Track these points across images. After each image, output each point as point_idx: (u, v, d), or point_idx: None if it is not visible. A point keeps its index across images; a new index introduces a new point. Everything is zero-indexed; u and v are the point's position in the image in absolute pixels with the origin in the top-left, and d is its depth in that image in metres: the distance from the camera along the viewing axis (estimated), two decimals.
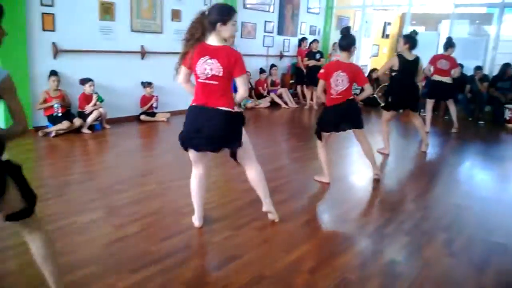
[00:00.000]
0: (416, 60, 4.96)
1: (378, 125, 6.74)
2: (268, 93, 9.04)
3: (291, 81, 9.78)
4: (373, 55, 12.90)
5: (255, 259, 2.54)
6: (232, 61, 2.50)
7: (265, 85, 9.01)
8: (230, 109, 2.56)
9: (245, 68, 2.57)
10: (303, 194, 3.73)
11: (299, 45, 9.61)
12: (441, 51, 7.01)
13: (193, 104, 2.65)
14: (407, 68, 4.92)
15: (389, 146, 5.28)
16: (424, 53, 6.86)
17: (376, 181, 4.15)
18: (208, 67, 2.52)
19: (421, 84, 7.08)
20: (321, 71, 3.85)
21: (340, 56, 3.87)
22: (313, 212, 3.31)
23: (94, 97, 5.82)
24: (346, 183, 4.13)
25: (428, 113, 6.91)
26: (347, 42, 3.72)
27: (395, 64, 4.95)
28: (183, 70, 2.66)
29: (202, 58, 2.52)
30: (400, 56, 4.94)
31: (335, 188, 3.90)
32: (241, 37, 8.43)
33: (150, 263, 2.41)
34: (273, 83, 9.20)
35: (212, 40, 2.55)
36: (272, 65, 9.14)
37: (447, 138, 6.74)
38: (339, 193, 3.83)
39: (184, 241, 2.71)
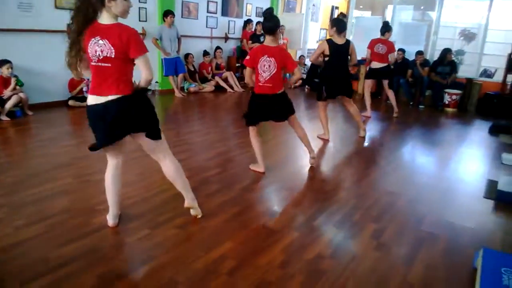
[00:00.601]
0: (347, 44, 4.84)
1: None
2: (213, 76, 8.73)
3: (237, 65, 9.50)
4: (321, 39, 12.85)
5: (170, 261, 2.30)
6: (124, 40, 2.20)
7: (210, 68, 8.68)
8: (123, 95, 2.29)
9: (144, 47, 2.28)
10: (235, 185, 3.52)
11: (244, 27, 9.34)
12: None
13: (89, 100, 2.36)
14: (337, 52, 4.81)
15: (328, 132, 5.19)
16: (370, 37, 6.85)
17: (312, 169, 4.04)
18: (99, 48, 2.21)
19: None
20: (247, 57, 3.63)
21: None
22: (243, 205, 3.10)
23: (13, 80, 5.28)
24: (281, 172, 3.96)
25: (367, 97, 6.91)
26: (272, 24, 3.49)
27: (325, 49, 4.81)
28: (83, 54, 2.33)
29: (93, 39, 2.22)
30: (329, 41, 4.82)
31: (270, 178, 3.73)
32: (181, 17, 8.02)
33: (46, 272, 2.12)
34: (218, 66, 8.88)
35: (104, 18, 2.24)
36: (217, 48, 8.81)
37: (388, 123, 6.78)
38: (273, 183, 3.66)
39: (90, 244, 2.42)
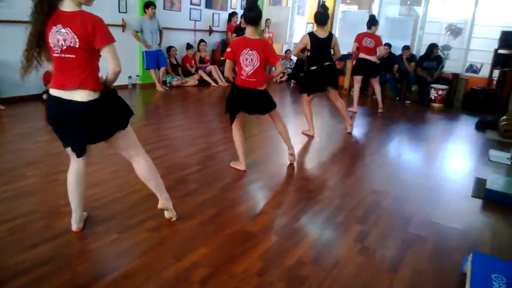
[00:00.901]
0: (329, 37, 4.70)
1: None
2: (197, 70, 8.51)
3: (222, 58, 9.27)
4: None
5: (139, 269, 2.12)
6: (88, 29, 2.00)
7: (193, 61, 8.46)
8: (91, 98, 2.09)
9: (110, 36, 2.08)
10: (214, 184, 3.34)
11: (229, 20, 9.12)
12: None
13: (51, 92, 2.16)
14: (319, 46, 4.66)
15: (313, 128, 5.05)
16: (356, 32, 6.72)
17: (295, 166, 3.91)
18: (61, 37, 2.01)
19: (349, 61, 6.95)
20: (228, 49, 3.45)
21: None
22: (221, 206, 2.93)
23: None
24: (264, 170, 3.80)
25: (356, 92, 6.80)
26: (254, 14, 3.32)
27: (307, 43, 4.66)
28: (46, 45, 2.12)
29: (54, 28, 2.01)
30: (311, 34, 4.67)
31: (252, 176, 3.57)
32: (163, 8, 7.77)
33: (3, 282, 1.92)
34: (202, 60, 8.66)
35: (66, 5, 2.04)
36: (201, 41, 8.58)
37: (373, 118, 6.67)
38: (255, 181, 3.50)
39: (54, 250, 2.23)
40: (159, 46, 7.44)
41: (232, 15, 8.96)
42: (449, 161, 4.62)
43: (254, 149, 4.35)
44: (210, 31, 9.16)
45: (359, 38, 6.49)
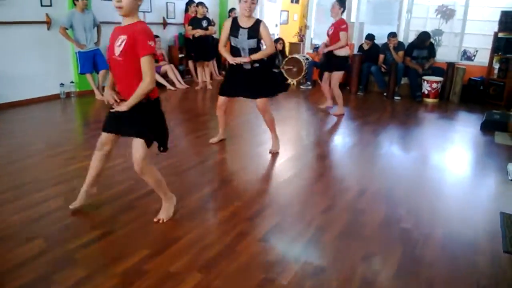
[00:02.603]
0: (255, 26, 3.55)
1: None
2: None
3: (180, 55, 8.00)
4: (282, 23, 11.44)
5: None
6: None
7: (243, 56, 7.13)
8: None
9: None
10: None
11: (186, 10, 7.84)
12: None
13: None
14: (241, 37, 3.63)
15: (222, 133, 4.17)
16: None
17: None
18: None
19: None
20: None
21: None
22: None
23: None
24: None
25: (338, 92, 5.58)
26: None
27: (227, 29, 3.69)
28: None
29: None
30: (233, 20, 3.65)
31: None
32: None
33: None
34: (156, 59, 7.37)
35: None
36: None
37: (359, 120, 5.48)
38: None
39: None
40: (96, 45, 6.14)
41: (189, 3, 7.64)
42: (456, 188, 3.44)
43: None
44: (164, 24, 7.85)
45: (347, 26, 5.28)
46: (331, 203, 2.91)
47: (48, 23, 5.78)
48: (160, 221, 2.51)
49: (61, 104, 5.95)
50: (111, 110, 2.33)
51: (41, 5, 5.70)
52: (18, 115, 5.14)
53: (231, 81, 3.77)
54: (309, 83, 7.81)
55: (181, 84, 7.37)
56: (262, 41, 3.64)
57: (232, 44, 3.60)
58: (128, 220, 2.55)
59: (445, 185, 3.46)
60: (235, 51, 3.61)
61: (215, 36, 8.03)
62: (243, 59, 3.52)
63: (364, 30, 8.18)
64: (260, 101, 3.71)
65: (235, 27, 3.56)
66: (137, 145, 2.29)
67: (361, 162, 3.95)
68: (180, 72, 7.74)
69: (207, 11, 7.39)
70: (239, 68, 3.60)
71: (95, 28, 6.14)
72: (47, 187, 3.00)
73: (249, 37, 3.52)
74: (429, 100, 6.82)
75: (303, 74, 7.84)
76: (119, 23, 2.30)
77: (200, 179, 3.29)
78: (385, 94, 7.17)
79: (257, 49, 3.58)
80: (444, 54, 7.67)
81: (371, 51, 7.45)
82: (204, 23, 7.01)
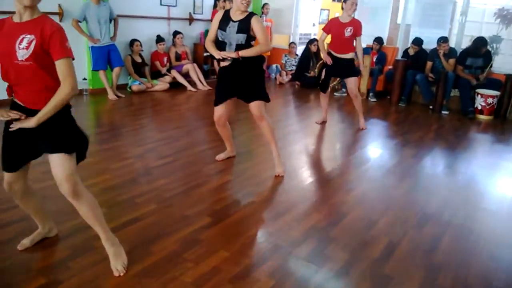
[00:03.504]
0: (246, 19, 3.04)
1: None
2: (169, 70, 6.71)
3: (206, 54, 7.44)
4: (321, 22, 10.66)
5: None
6: None
7: (165, 59, 6.66)
8: None
9: None
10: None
11: (215, 5, 7.27)
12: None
13: None
14: (229, 33, 3.15)
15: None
16: (379, 18, 4.81)
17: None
18: None
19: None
20: None
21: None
22: None
23: None
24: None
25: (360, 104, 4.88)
26: None
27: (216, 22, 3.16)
28: None
29: None
30: (225, 13, 3.14)
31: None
32: None
33: None
34: (179, 57, 6.86)
35: None
36: (176, 32, 6.77)
37: (392, 136, 4.69)
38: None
39: None
40: (111, 39, 5.69)
41: None
42: None
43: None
44: (191, 20, 7.32)
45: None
46: (351, 258, 2.21)
47: (60, 14, 5.37)
48: (119, 274, 1.93)
49: (71, 103, 5.52)
50: (11, 129, 1.77)
51: None
52: None
53: (222, 86, 3.26)
54: (344, 89, 7.04)
55: (203, 86, 6.81)
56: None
57: (219, 38, 3.09)
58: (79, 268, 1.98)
59: (507, 234, 2.67)
60: (220, 46, 3.10)
61: None
62: (230, 54, 3.02)
63: (410, 33, 7.30)
64: (254, 105, 3.20)
65: (225, 20, 3.07)
66: (59, 161, 1.78)
67: (395, 199, 3.19)
68: (204, 72, 7.20)
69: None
70: (230, 71, 3.13)
71: (112, 22, 5.69)
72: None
73: (239, 31, 3.01)
74: (483, 117, 5.89)
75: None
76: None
77: (188, 211, 2.68)
78: (431, 107, 6.29)
79: (246, 46, 3.03)
80: (503, 64, 6.68)
81: (418, 56, 6.59)
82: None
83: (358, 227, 2.62)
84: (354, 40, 4.67)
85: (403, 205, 3.01)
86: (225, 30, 3.05)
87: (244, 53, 3.01)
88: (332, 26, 4.68)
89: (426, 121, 5.68)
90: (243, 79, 3.14)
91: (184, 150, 3.83)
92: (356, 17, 4.95)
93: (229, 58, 3.04)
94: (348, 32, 4.57)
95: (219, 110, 3.33)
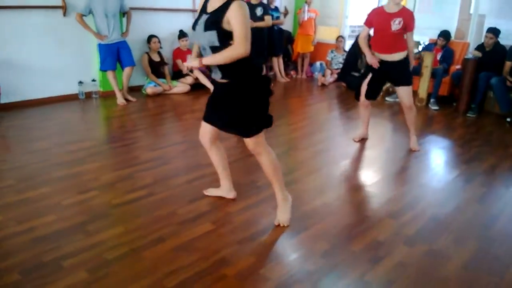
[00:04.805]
0: (222, 7, 2.06)
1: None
2: (192, 70, 5.93)
3: None
4: None
5: None
6: None
7: (189, 57, 5.89)
8: None
9: None
10: None
11: None
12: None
13: None
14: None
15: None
16: (446, 9, 3.65)
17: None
18: None
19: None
20: None
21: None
22: None
23: None
24: None
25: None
26: None
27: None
28: None
29: None
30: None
31: None
32: None
33: None
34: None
35: None
36: None
37: (463, 169, 3.53)
38: None
39: None
40: (123, 35, 5.02)
41: None
42: None
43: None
44: None
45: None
46: None
47: (64, 8, 4.77)
48: None
49: (79, 106, 4.96)
50: None
51: None
52: (22, 120, 4.25)
53: (207, 104, 2.43)
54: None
55: None
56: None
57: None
58: None
59: None
60: (201, 52, 2.22)
61: (283, 27, 6.56)
62: (192, 62, 2.14)
63: (484, 26, 5.92)
64: (249, 140, 2.28)
65: (200, 12, 2.18)
66: None
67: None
68: None
69: None
70: (215, 83, 2.30)
71: (123, 15, 5.03)
72: None
73: (207, 28, 2.06)
74: None
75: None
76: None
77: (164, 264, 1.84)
78: (508, 119, 4.94)
79: (222, 49, 2.06)
80: None
81: (493, 53, 5.26)
82: (259, 11, 5.50)
83: None
84: (404, 36, 3.58)
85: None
86: (194, 28, 2.18)
87: (208, 60, 2.11)
88: (374, 18, 3.62)
89: (502, 139, 4.40)
90: (222, 101, 2.26)
91: (165, 179, 3.00)
92: (418, 6, 3.83)
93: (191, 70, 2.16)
94: (396, 24, 3.48)
95: (205, 126, 2.46)
